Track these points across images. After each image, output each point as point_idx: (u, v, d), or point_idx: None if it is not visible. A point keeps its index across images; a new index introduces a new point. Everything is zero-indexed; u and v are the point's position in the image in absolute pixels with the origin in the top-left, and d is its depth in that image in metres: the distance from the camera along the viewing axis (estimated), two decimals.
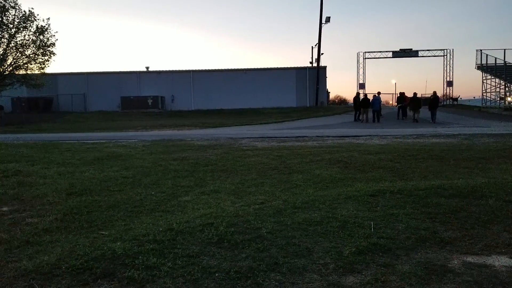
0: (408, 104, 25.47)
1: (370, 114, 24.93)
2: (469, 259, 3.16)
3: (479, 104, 37.10)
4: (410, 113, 25.51)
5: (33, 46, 30.94)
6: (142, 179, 7.08)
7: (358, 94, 27.41)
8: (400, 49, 40.92)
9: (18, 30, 30.30)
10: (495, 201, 4.67)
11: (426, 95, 33.48)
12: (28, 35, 30.64)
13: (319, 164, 8.13)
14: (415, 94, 25.35)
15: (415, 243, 3.47)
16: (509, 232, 3.73)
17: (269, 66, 44.00)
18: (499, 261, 3.13)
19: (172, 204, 5.39)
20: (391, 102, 32.13)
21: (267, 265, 3.07)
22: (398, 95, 27.39)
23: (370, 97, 26.14)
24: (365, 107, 24.87)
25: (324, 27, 40.45)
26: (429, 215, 4.22)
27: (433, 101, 23.80)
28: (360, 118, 25.34)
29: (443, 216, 4.20)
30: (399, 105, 26.41)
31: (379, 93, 27.01)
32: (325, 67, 42.24)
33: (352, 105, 27.76)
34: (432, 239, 3.57)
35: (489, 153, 9.12)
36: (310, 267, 3.03)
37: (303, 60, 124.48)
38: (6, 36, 30.22)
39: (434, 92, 24.89)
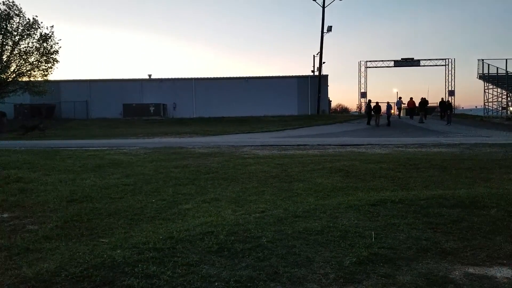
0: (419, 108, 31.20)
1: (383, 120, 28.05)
2: (471, 270, 3.15)
3: (481, 114, 37.08)
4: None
5: (37, 54, 31.15)
6: (143, 186, 7.08)
7: (369, 101, 30.01)
8: (401, 58, 40.90)
9: (22, 38, 30.52)
10: (497, 212, 4.66)
11: (430, 104, 34.81)
12: (32, 42, 30.88)
13: (320, 172, 8.12)
14: (422, 98, 30.85)
15: (416, 254, 3.46)
16: (511, 243, 3.71)
17: (270, 75, 44.12)
18: (500, 272, 3.11)
19: (172, 212, 5.39)
20: (392, 111, 33.06)
21: (267, 275, 3.05)
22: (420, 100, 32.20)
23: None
24: (377, 112, 28.14)
25: (325, 36, 40.70)
26: (430, 225, 4.21)
27: (449, 105, 29.55)
28: (371, 123, 28.24)
29: (445, 226, 4.18)
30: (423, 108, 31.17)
31: (400, 98, 35.49)
32: (326, 76, 42.31)
33: (365, 111, 31.68)
34: (433, 249, 3.55)
35: (491, 163, 9.10)
36: (310, 277, 3.02)
37: (304, 68, 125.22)
38: (10, 43, 30.45)
39: (449, 100, 32.88)
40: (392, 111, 31.44)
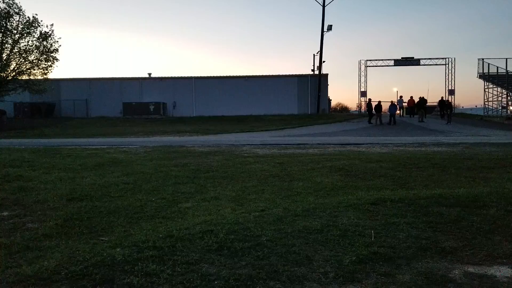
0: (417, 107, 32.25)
1: (386, 119, 28.33)
2: (470, 269, 3.15)
3: (481, 113, 37.09)
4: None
5: (37, 52, 31.07)
6: (143, 185, 7.08)
7: (370, 100, 30.59)
8: (401, 58, 40.82)
9: (21, 36, 30.45)
10: (497, 211, 4.66)
11: (429, 104, 34.92)
12: (32, 40, 30.80)
13: (320, 171, 8.12)
14: (420, 98, 31.94)
15: (416, 253, 3.46)
16: (510, 242, 3.71)
17: (270, 73, 44.10)
18: (500, 271, 3.11)
19: (172, 211, 5.39)
20: (398, 111, 33.68)
21: (266, 273, 3.05)
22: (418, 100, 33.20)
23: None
24: (378, 111, 28.39)
25: (326, 35, 40.63)
26: (430, 224, 4.21)
27: (449, 105, 29.45)
28: (372, 121, 28.52)
29: (444, 225, 4.19)
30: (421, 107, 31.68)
31: (401, 97, 35.99)
32: (326, 75, 42.28)
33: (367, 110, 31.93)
34: (433, 248, 3.55)
35: (490, 162, 9.10)
36: (310, 276, 3.02)
37: (304, 67, 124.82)
38: (10, 41, 30.38)
39: (449, 99, 33.66)
40: (398, 111, 31.79)
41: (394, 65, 41.51)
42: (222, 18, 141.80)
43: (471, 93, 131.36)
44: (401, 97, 36.66)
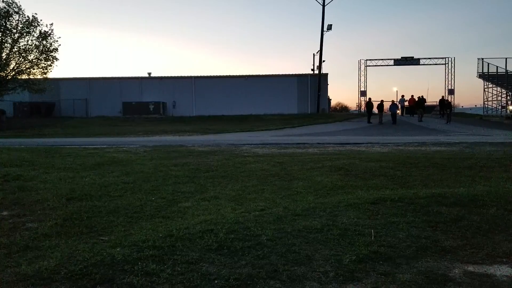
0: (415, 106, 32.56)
1: (386, 118, 28.44)
2: (470, 268, 3.15)
3: (481, 113, 37.09)
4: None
5: (36, 51, 31.03)
6: (143, 184, 7.08)
7: (370, 99, 30.76)
8: (401, 57, 40.84)
9: (21, 35, 30.41)
10: (496, 210, 4.66)
11: (429, 103, 35.09)
12: (31, 40, 30.75)
13: (320, 171, 8.12)
14: (419, 97, 32.74)
15: (416, 252, 3.46)
16: (510, 242, 3.71)
17: (270, 73, 44.07)
18: (500, 270, 3.11)
19: (172, 210, 5.39)
20: (398, 111, 33.94)
21: (266, 273, 3.05)
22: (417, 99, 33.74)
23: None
24: (381, 111, 28.96)
25: (326, 34, 40.61)
26: (430, 224, 4.21)
27: (448, 104, 29.62)
28: (372, 121, 28.52)
29: (444, 224, 4.19)
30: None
31: (402, 96, 37.02)
32: (326, 74, 42.26)
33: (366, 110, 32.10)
34: (433, 247, 3.56)
35: (490, 162, 9.10)
36: (310, 275, 3.02)
37: (304, 67, 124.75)
38: (9, 41, 30.34)
39: (448, 99, 34.25)
40: (398, 111, 31.80)
41: (394, 65, 41.52)
42: (222, 18, 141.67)
43: (471, 93, 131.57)
44: (402, 96, 37.06)
